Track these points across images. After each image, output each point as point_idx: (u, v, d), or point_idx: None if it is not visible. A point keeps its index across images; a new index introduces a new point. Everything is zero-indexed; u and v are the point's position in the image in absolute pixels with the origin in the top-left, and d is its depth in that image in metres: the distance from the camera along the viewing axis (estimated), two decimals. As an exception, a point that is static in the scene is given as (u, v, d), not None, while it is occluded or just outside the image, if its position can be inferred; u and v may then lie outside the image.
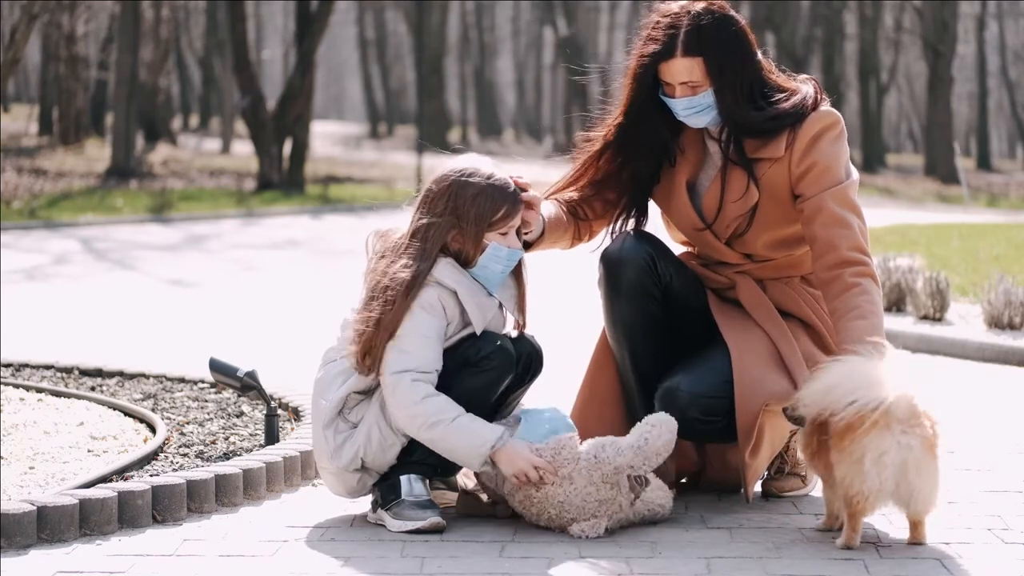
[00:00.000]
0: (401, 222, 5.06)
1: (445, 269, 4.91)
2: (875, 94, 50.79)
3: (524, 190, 5.04)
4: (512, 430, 4.90)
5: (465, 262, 4.96)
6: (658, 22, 5.13)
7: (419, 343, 4.86)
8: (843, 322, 4.92)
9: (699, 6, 5.11)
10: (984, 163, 53.34)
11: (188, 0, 47.49)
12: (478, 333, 4.93)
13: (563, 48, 51.04)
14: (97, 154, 33.98)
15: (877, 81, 51.20)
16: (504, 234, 4.97)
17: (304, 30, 28.96)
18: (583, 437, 5.06)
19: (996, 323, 9.85)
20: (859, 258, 5.00)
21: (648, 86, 5.15)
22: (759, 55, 5.18)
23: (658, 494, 4.95)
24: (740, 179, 5.15)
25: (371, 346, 4.87)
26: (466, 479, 5.12)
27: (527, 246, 5.19)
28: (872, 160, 46.39)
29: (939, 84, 43.02)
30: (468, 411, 4.88)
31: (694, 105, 5.10)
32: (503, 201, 4.95)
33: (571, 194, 5.36)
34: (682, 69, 5.07)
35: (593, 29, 60.43)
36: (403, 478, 4.90)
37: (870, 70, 49.44)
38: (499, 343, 4.92)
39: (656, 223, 5.42)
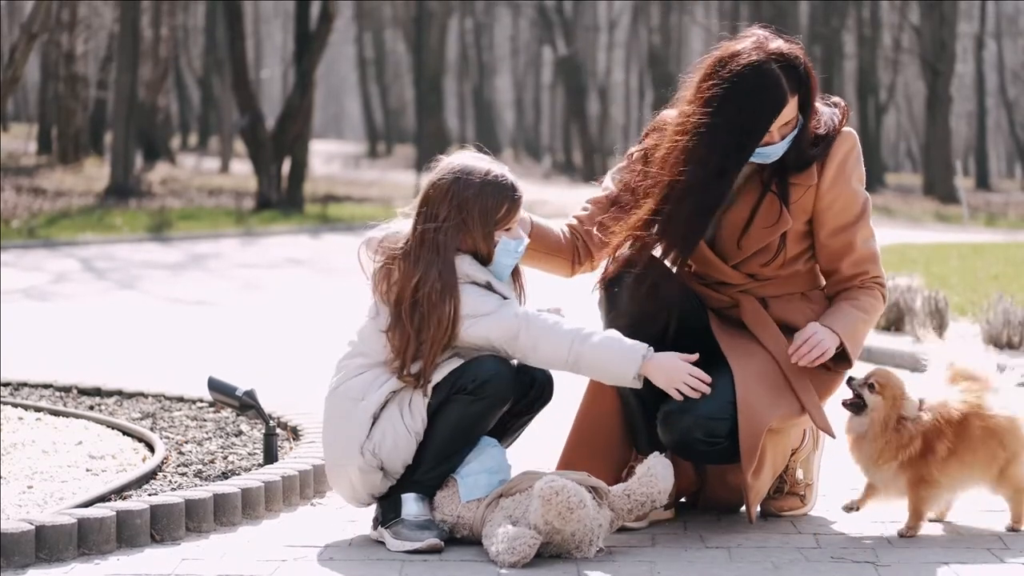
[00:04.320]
0: (394, 227, 5.04)
1: (471, 266, 4.93)
2: (874, 113, 50.82)
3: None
4: (453, 489, 4.90)
5: (484, 261, 4.97)
6: (740, 72, 4.94)
7: (495, 300, 4.91)
8: (836, 302, 5.16)
9: (775, 44, 5.01)
10: (983, 182, 53.34)
11: (187, 19, 47.52)
12: None
13: (562, 68, 51.14)
14: (96, 173, 33.98)
15: (876, 100, 51.24)
16: (509, 229, 4.98)
17: (303, 49, 28.99)
18: (585, 455, 5.07)
19: (995, 342, 9.84)
20: (879, 281, 5.22)
21: (762, 134, 4.98)
22: None
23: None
24: (771, 205, 5.13)
25: (416, 357, 4.87)
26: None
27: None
28: (871, 179, 46.24)
29: (938, 103, 43.04)
30: (462, 439, 4.89)
31: (787, 143, 5.06)
32: (505, 198, 4.97)
33: (574, 221, 5.35)
34: (788, 111, 5.01)
35: (592, 48, 60.50)
36: (404, 496, 4.89)
37: (869, 89, 49.48)
38: (497, 371, 4.90)
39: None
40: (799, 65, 5.02)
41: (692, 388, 4.88)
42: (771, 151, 5.05)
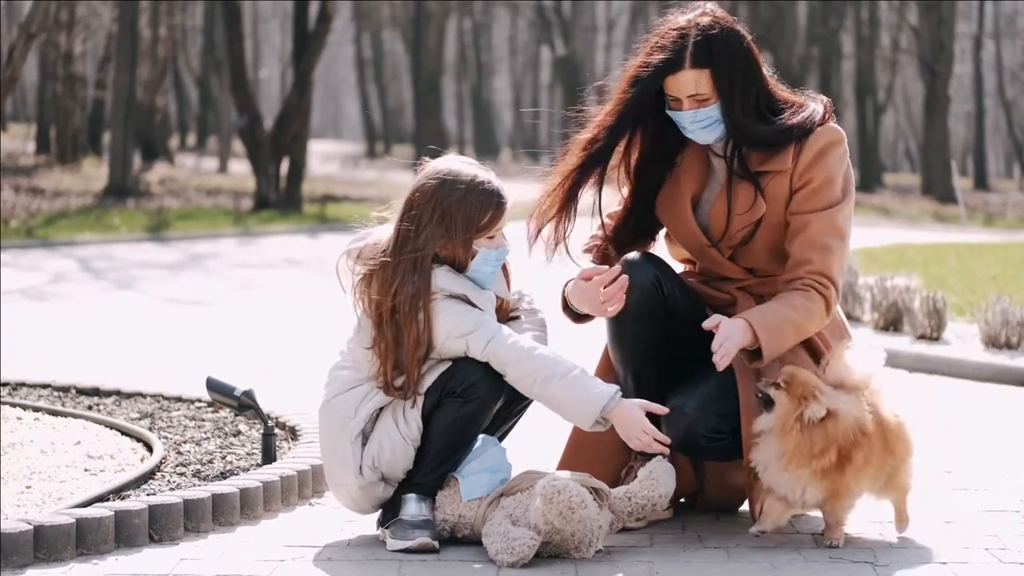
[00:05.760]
0: (375, 234, 5.03)
1: (446, 278, 4.89)
2: (872, 113, 50.82)
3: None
4: (455, 489, 4.89)
5: (460, 269, 4.94)
6: (665, 34, 5.12)
7: (473, 318, 4.85)
8: (766, 302, 5.04)
9: (707, 19, 5.11)
10: (981, 183, 53.35)
11: (185, 19, 47.51)
12: None
13: (560, 68, 51.12)
14: (94, 173, 33.96)
15: (874, 100, 51.24)
16: (491, 237, 4.95)
17: (301, 49, 28.97)
18: (585, 455, 5.06)
19: (993, 342, 9.85)
20: (820, 280, 5.05)
21: (648, 92, 5.13)
22: (765, 70, 5.19)
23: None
24: (747, 192, 5.15)
25: (396, 367, 4.86)
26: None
27: (586, 317, 5.21)
28: (869, 179, 46.40)
29: (936, 104, 43.05)
30: (459, 441, 4.88)
31: (701, 118, 5.10)
32: (489, 205, 4.93)
33: (599, 242, 5.37)
34: (689, 81, 5.07)
35: (590, 49, 60.51)
36: (405, 497, 4.89)
37: (867, 89, 49.48)
38: (484, 372, 4.87)
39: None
40: (720, 45, 5.07)
41: (645, 444, 4.81)
42: (682, 119, 5.12)
